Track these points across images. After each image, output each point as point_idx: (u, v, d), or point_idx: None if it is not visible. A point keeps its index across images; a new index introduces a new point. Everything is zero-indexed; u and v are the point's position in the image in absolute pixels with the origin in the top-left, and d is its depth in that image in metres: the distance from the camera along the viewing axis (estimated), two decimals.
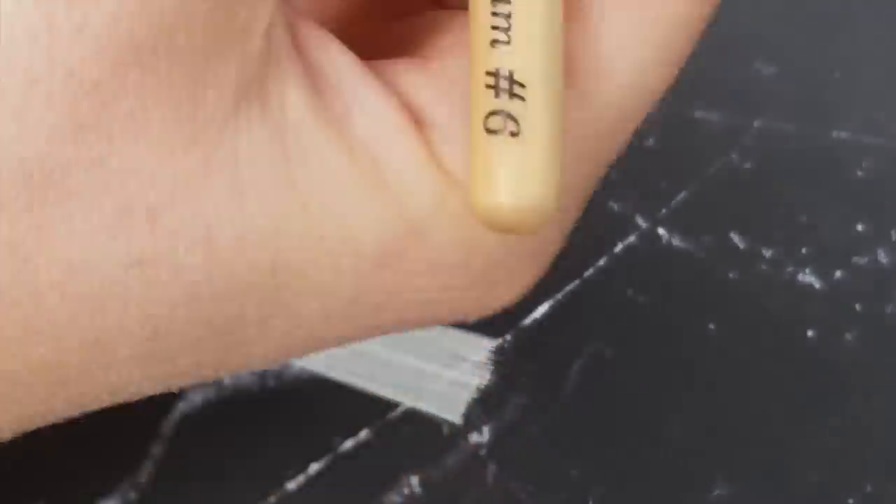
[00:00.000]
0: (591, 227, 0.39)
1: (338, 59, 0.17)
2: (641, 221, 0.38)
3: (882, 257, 0.37)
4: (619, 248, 0.38)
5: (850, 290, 0.37)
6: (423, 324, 0.19)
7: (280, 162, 0.16)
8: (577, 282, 0.38)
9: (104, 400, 0.17)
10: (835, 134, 0.38)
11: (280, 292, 0.16)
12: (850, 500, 0.35)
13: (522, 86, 0.16)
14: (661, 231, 0.38)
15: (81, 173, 0.14)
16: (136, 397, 0.17)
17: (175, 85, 0.15)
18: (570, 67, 0.18)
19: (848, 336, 0.37)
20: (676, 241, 0.38)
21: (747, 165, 0.38)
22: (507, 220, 0.16)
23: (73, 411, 0.17)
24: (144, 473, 0.37)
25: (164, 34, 0.14)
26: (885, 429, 0.36)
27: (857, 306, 0.37)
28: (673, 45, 0.19)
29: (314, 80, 0.17)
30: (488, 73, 0.16)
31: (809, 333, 0.37)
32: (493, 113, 0.16)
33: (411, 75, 0.18)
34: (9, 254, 0.14)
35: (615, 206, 0.38)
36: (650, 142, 0.39)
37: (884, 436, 0.36)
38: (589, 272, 0.38)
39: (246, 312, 0.16)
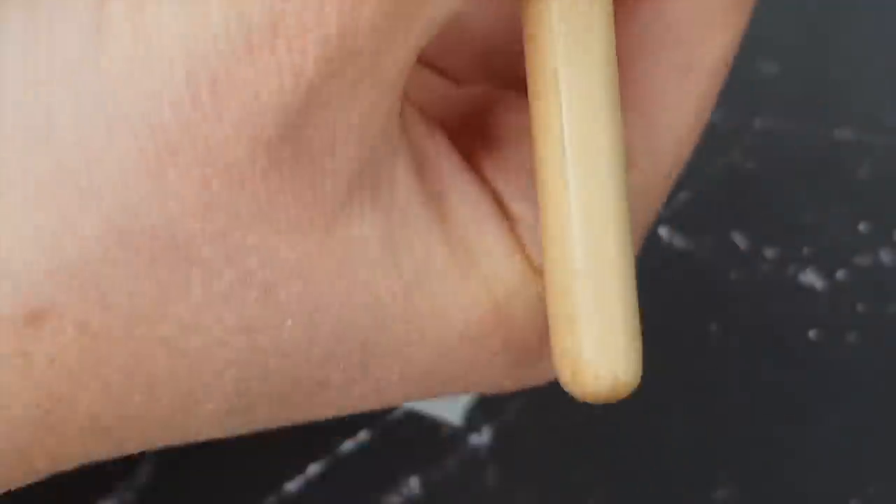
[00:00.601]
0: None
1: (439, 142, 0.18)
2: None
3: (884, 257, 0.37)
4: None
5: (851, 291, 0.37)
6: (472, 391, 0.20)
7: (387, 247, 0.17)
8: None
9: (171, 440, 0.18)
10: (837, 133, 0.38)
11: (367, 363, 0.17)
12: (853, 501, 0.35)
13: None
14: (661, 231, 0.38)
15: (205, 245, 0.15)
16: (197, 439, 0.18)
17: (297, 173, 0.15)
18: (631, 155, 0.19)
19: (849, 336, 0.37)
20: (677, 241, 0.38)
21: (748, 165, 0.38)
22: (617, 386, 0.17)
23: (136, 450, 0.18)
24: (143, 474, 0.37)
25: (292, 128, 0.15)
26: (887, 429, 0.36)
27: (859, 306, 0.37)
28: (712, 94, 0.20)
29: (419, 163, 0.18)
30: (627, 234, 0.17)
31: (811, 334, 0.37)
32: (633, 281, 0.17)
33: (490, 161, 0.19)
34: (128, 306, 0.15)
35: None
36: None
37: (886, 436, 0.36)
38: None
39: (331, 378, 0.17)
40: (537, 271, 0.18)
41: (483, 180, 0.18)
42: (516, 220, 0.18)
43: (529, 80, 0.17)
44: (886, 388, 0.36)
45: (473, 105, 0.20)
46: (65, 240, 0.15)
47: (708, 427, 0.36)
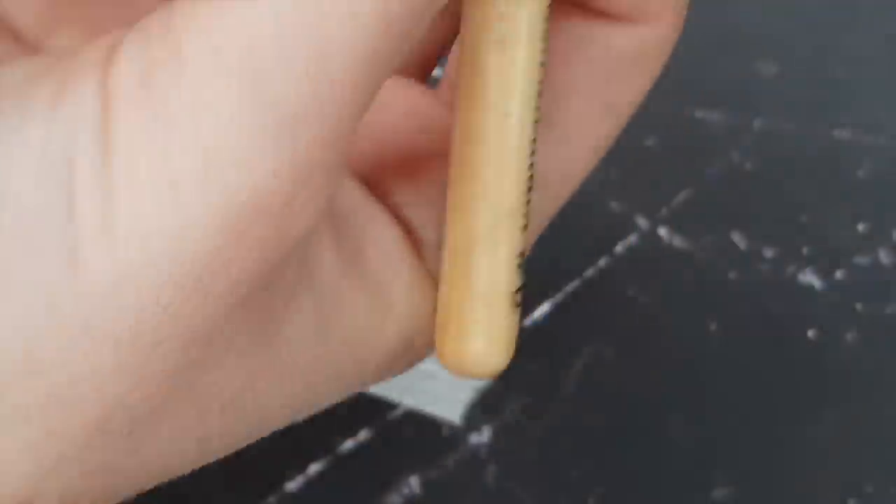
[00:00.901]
0: (591, 226, 0.39)
1: (348, 186, 0.19)
2: (642, 221, 0.38)
3: (883, 257, 0.37)
4: (619, 247, 0.38)
5: (850, 290, 0.37)
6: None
7: (320, 331, 0.18)
8: (577, 281, 0.38)
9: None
10: (836, 134, 0.39)
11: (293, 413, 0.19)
12: (851, 501, 0.35)
13: (524, 265, 0.19)
14: (661, 231, 0.38)
15: (170, 402, 0.16)
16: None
17: (254, 308, 0.16)
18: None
19: (848, 336, 0.37)
20: (677, 241, 0.38)
21: (748, 165, 0.38)
22: (497, 369, 0.19)
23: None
24: None
25: (257, 277, 0.15)
26: (886, 429, 0.36)
27: (858, 306, 0.37)
28: (620, 128, 0.21)
29: (336, 225, 0.18)
30: (520, 255, 0.19)
31: (810, 333, 0.37)
32: (519, 289, 0.19)
33: (403, 191, 0.19)
34: (103, 468, 0.16)
35: (615, 206, 0.38)
36: (650, 142, 0.39)
37: (884, 436, 0.36)
38: (589, 272, 0.38)
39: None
40: (436, 287, 0.19)
41: (391, 209, 0.19)
42: (423, 244, 0.19)
43: (456, 111, 0.18)
44: (885, 387, 0.36)
45: (379, 123, 0.20)
46: (49, 446, 0.15)
47: (707, 426, 0.36)
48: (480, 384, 0.37)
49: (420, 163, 0.20)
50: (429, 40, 0.21)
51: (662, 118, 0.38)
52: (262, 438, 0.20)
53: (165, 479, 0.18)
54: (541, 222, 0.20)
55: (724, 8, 0.40)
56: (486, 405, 0.37)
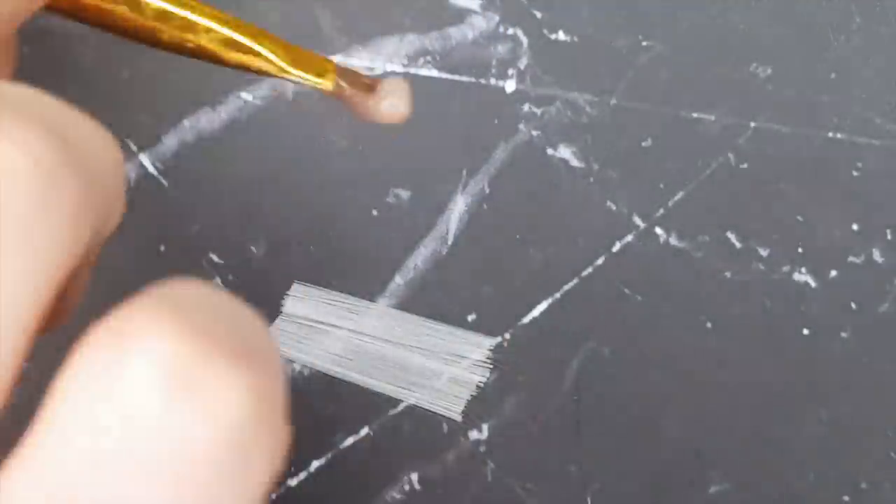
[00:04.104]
0: (589, 226, 0.39)
1: None
2: (639, 221, 0.38)
3: (877, 256, 0.37)
4: (616, 247, 0.38)
5: (844, 289, 0.37)
6: None
7: None
8: (575, 280, 0.38)
9: None
10: (830, 135, 0.39)
11: None
12: (846, 497, 0.35)
13: None
14: (658, 230, 0.38)
15: None
16: None
17: None
18: None
19: (843, 334, 0.37)
20: (673, 241, 0.38)
21: (744, 166, 0.38)
22: None
23: None
24: None
25: None
26: (880, 426, 0.36)
27: (852, 305, 0.37)
28: None
29: None
30: None
31: (805, 331, 0.37)
32: None
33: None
34: None
35: (613, 206, 0.39)
36: (647, 142, 0.39)
37: (878, 433, 0.36)
38: (587, 271, 0.38)
39: None
40: None
41: None
42: None
43: None
44: (879, 385, 0.36)
45: None
46: None
47: (703, 423, 0.36)
48: (480, 382, 0.37)
49: None
50: None
51: (659, 120, 0.39)
52: None
53: None
54: None
55: (720, 11, 0.40)
56: (485, 402, 0.37)
